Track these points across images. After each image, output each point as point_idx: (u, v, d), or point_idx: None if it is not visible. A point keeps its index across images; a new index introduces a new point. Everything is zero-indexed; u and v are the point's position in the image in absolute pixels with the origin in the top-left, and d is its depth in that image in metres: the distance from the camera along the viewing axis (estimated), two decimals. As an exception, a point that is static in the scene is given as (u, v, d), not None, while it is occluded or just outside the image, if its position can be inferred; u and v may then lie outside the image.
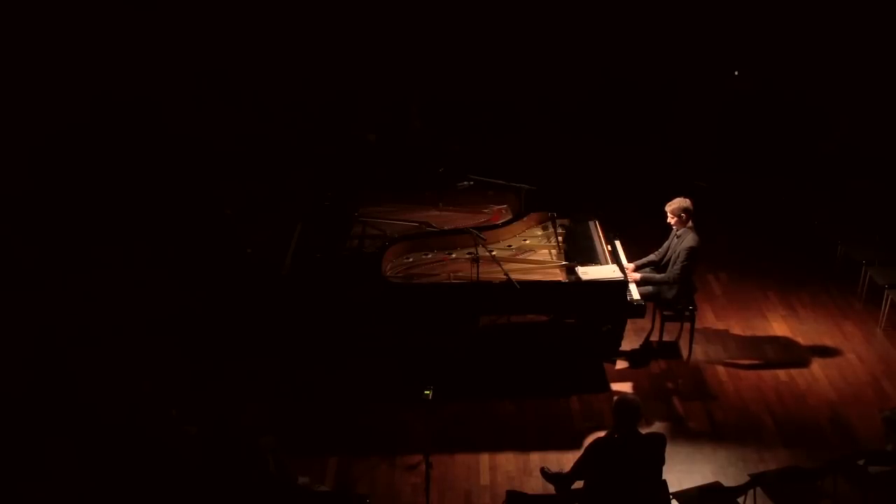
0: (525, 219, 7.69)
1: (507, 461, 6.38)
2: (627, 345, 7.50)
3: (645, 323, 7.68)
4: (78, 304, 8.04)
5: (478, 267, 6.78)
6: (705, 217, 7.83)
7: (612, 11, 10.67)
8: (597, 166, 10.48)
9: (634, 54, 10.79)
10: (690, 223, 7.28)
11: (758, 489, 5.65)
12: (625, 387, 7.20)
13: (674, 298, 7.31)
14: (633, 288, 7.08)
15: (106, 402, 6.56)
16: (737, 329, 8.00)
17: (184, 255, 8.79)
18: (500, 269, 6.80)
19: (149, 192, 9.69)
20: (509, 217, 7.76)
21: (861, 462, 5.77)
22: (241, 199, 9.53)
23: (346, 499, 5.95)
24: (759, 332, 7.96)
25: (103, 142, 10.00)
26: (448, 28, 10.59)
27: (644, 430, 5.33)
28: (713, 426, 6.77)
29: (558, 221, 7.72)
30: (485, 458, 6.41)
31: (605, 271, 6.94)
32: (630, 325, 7.35)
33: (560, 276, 7.00)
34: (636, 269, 7.50)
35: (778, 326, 8.05)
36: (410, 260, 7.28)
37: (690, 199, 7.30)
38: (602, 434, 5.72)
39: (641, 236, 8.15)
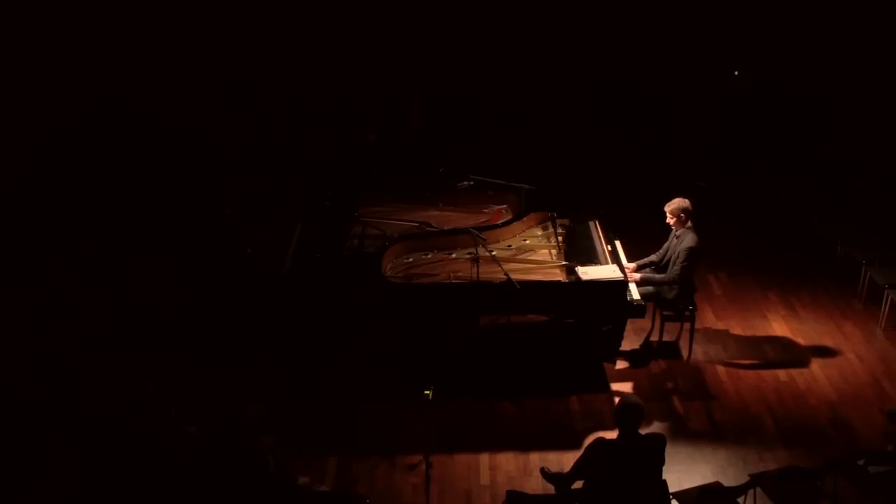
0: (525, 219, 7.68)
1: (507, 461, 6.39)
2: (627, 345, 7.50)
3: (645, 323, 7.68)
4: (78, 303, 8.03)
5: (478, 267, 6.78)
6: (705, 217, 7.83)
7: (612, 11, 10.67)
8: (597, 166, 10.48)
9: (634, 54, 10.79)
10: (690, 223, 7.28)
11: (758, 489, 5.65)
12: (625, 387, 7.21)
13: (674, 299, 7.31)
14: (633, 288, 7.08)
15: (106, 402, 6.56)
16: (737, 329, 8.00)
17: (184, 254, 8.79)
18: (500, 269, 6.80)
19: (149, 191, 9.69)
20: (509, 217, 7.76)
21: (861, 462, 5.77)
22: (241, 198, 9.54)
23: (346, 499, 5.95)
24: (759, 332, 7.96)
25: (103, 141, 10.01)
26: (448, 27, 10.59)
27: (644, 430, 5.32)
28: (713, 426, 6.77)
29: (558, 221, 7.71)
30: (485, 458, 6.41)
31: (605, 271, 6.94)
32: (630, 325, 7.34)
33: (560, 276, 7.00)
34: (637, 270, 7.50)
35: (778, 326, 8.05)
36: (410, 260, 7.28)
37: (690, 200, 7.30)
38: (602, 434, 5.72)
39: (641, 236, 8.15)
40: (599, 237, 7.52)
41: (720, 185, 10.33)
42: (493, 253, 7.01)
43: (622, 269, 7.09)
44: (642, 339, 7.75)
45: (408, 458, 6.36)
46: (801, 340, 7.85)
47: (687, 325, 7.51)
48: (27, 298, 8.07)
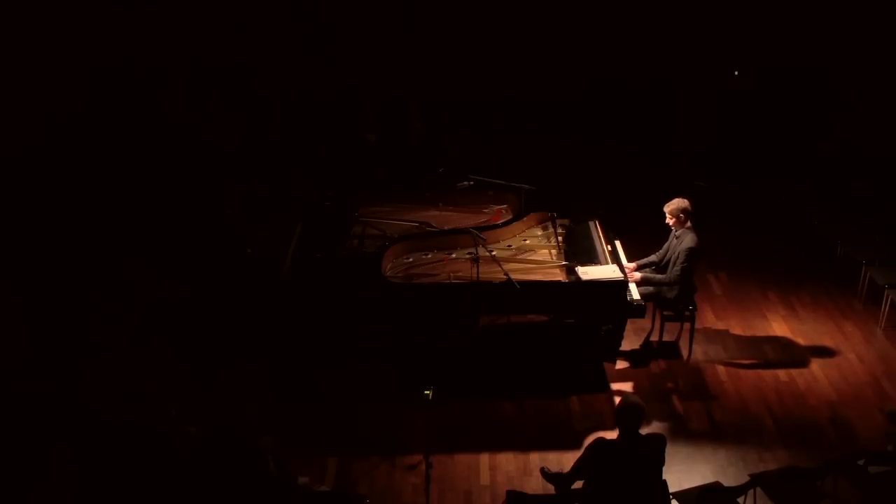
0: (525, 219, 7.68)
1: (507, 461, 6.39)
2: (627, 345, 7.50)
3: (645, 323, 7.68)
4: (78, 304, 8.03)
5: (478, 267, 6.78)
6: (705, 217, 7.83)
7: (612, 11, 10.67)
8: (597, 166, 10.48)
9: (634, 54, 10.79)
10: (689, 224, 7.28)
11: (758, 489, 5.65)
12: (625, 387, 7.21)
13: (674, 299, 7.31)
14: (633, 288, 7.08)
15: (106, 403, 6.56)
16: (737, 329, 8.00)
17: (184, 254, 8.79)
18: (500, 269, 6.80)
19: (149, 191, 9.68)
20: (509, 217, 7.76)
21: (861, 462, 5.78)
22: (241, 199, 9.53)
23: (346, 499, 5.95)
24: (759, 332, 7.96)
25: (104, 141, 10.00)
26: (448, 28, 10.59)
27: (644, 431, 5.32)
28: (713, 426, 6.77)
29: (558, 221, 7.71)
30: (485, 458, 6.41)
31: (605, 271, 6.93)
32: (630, 325, 7.35)
33: (560, 276, 7.00)
34: (637, 270, 7.50)
35: (778, 326, 8.05)
36: (410, 260, 7.28)
37: (689, 200, 7.30)
38: (602, 434, 5.72)
39: (641, 237, 8.15)
40: (599, 237, 7.52)
41: (720, 185, 10.33)
42: (493, 253, 7.01)
43: (622, 269, 7.09)
44: (642, 339, 7.75)
45: (408, 458, 6.36)
46: (801, 340, 7.85)
47: (687, 325, 7.51)
48: (27, 299, 8.07)
